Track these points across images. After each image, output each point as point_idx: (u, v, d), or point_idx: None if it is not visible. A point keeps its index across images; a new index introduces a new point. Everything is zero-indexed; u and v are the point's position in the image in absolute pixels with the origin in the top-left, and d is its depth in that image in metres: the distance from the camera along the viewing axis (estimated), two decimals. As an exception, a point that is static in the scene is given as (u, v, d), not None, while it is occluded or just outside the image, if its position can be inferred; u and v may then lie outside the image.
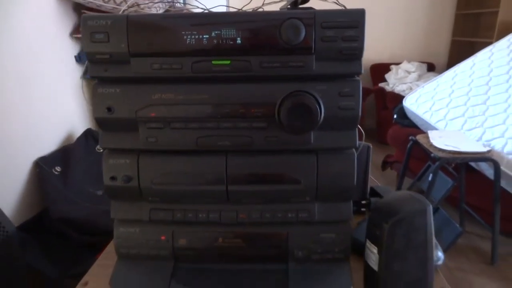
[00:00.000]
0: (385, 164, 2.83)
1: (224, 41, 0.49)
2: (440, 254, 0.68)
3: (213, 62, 0.49)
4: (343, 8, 0.49)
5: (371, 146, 0.83)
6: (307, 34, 0.48)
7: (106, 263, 0.70)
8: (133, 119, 0.52)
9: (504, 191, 1.97)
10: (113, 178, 0.55)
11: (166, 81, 0.51)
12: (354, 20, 0.48)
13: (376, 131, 3.75)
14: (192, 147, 0.53)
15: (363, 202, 0.83)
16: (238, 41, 0.49)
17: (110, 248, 0.75)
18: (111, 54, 0.50)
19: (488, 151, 1.82)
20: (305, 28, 0.47)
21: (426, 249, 0.55)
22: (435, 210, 2.15)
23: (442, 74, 2.69)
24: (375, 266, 0.57)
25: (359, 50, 0.48)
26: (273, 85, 0.50)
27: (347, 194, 0.55)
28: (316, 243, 0.57)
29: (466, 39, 3.75)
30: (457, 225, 1.95)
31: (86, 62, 0.56)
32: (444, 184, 1.91)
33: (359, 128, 0.67)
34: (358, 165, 0.81)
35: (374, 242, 0.57)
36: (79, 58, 1.65)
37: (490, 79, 2.38)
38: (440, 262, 0.67)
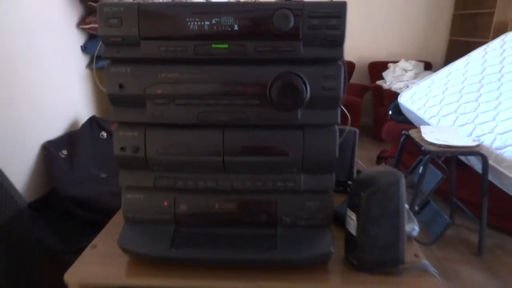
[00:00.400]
0: (379, 159, 2.91)
1: (223, 28, 0.55)
2: (415, 227, 0.75)
3: (213, 45, 0.56)
4: (328, 0, 0.56)
5: (357, 131, 0.90)
6: (295, 22, 0.55)
7: (112, 230, 0.77)
8: (141, 96, 0.59)
9: (492, 185, 2.05)
10: (122, 149, 0.62)
11: (171, 62, 0.58)
12: (337, 11, 0.54)
13: (373, 128, 3.82)
14: (193, 122, 0.60)
15: (349, 182, 0.90)
16: (236, 28, 0.55)
17: (115, 220, 0.83)
18: (123, 37, 0.57)
19: (477, 146, 1.89)
20: (294, 17, 0.54)
21: (398, 216, 0.62)
22: (426, 203, 2.23)
23: (437, 72, 2.76)
24: (354, 231, 0.64)
25: (341, 37, 0.55)
26: (265, 67, 0.57)
27: (330, 166, 0.62)
28: (302, 210, 0.64)
29: (463, 38, 3.81)
30: (446, 217, 2.02)
31: (99, 46, 0.63)
32: (434, 177, 1.99)
33: (345, 112, 0.75)
34: (345, 148, 0.88)
35: (354, 209, 0.64)
36: (84, 48, 1.71)
37: (483, 77, 2.45)
38: (415, 233, 0.74)
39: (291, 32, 0.55)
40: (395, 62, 3.87)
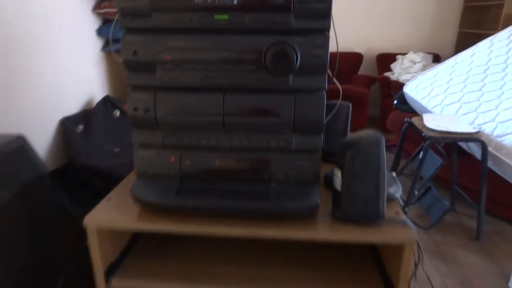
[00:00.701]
0: (384, 148, 2.95)
1: (224, 1, 0.63)
2: (399, 190, 0.82)
3: (215, 17, 0.64)
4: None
5: (350, 105, 0.97)
6: (288, -4, 0.62)
7: (125, 188, 0.86)
8: (152, 61, 0.67)
9: (493, 173, 2.09)
10: (135, 109, 0.71)
11: (178, 31, 0.66)
12: (324, -14, 0.62)
13: (379, 119, 3.86)
14: (197, 85, 0.68)
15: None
16: (235, 1, 0.63)
17: (127, 180, 0.92)
18: (137, 8, 0.65)
19: (477, 132, 1.93)
20: (286, -9, 0.62)
21: (379, 173, 0.70)
22: (427, 190, 2.29)
23: (443, 63, 2.79)
24: (339, 187, 0.72)
25: (327, 10, 0.62)
26: (261, 37, 0.65)
27: (318, 127, 0.70)
28: (293, 168, 0.72)
29: (472, 31, 3.81)
30: (446, 203, 2.08)
31: (112, 27, 0.71)
32: (434, 162, 2.04)
33: (337, 86, 0.82)
34: (338, 120, 0.95)
35: (340, 167, 0.71)
36: (99, 32, 1.80)
37: (488, 67, 2.48)
38: (398, 195, 0.81)
39: (283, 5, 0.62)
40: (403, 54, 3.89)
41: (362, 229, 0.71)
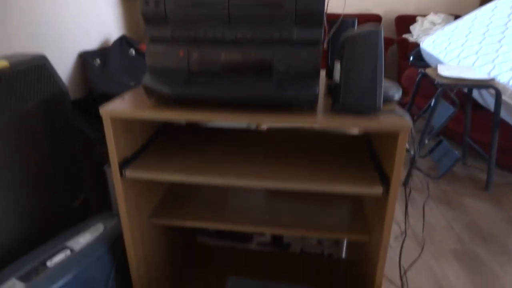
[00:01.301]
0: (398, 106, 2.94)
1: None
2: (398, 92, 0.85)
3: None
4: None
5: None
6: None
7: (136, 92, 0.92)
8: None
9: (505, 125, 2.07)
10: (146, 3, 0.75)
11: None
12: None
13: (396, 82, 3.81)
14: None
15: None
16: None
17: (138, 89, 0.98)
18: None
19: (492, 79, 1.91)
20: None
21: (376, 64, 0.73)
22: (439, 143, 2.29)
23: (462, 18, 2.72)
24: (338, 78, 0.75)
25: None
26: None
27: (319, 18, 0.73)
28: (294, 60, 0.76)
29: (497, -10, 3.65)
30: (456, 152, 2.08)
31: None
32: (446, 111, 2.03)
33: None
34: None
35: (339, 58, 0.75)
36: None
37: (509, 20, 2.40)
38: (397, 97, 0.84)
39: None
40: (423, 15, 3.78)
41: (359, 118, 0.74)
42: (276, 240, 1.43)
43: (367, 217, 0.99)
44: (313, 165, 0.88)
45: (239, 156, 0.93)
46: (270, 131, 1.12)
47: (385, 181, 0.80)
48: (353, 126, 0.74)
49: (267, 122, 0.76)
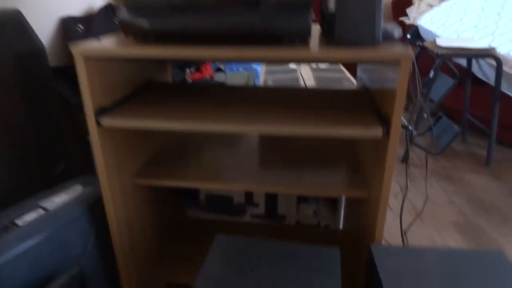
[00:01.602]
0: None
1: None
2: (399, 32, 0.78)
3: None
4: None
5: None
6: None
7: (115, 36, 0.85)
8: None
9: (505, 99, 2.02)
10: None
11: None
12: None
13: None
14: None
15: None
16: None
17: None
18: None
19: (492, 49, 1.85)
20: None
21: (375, -12, 0.65)
22: (438, 118, 2.23)
23: (460, -7, 2.65)
24: (332, 8, 0.68)
25: None
26: None
27: None
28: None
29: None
30: (456, 127, 2.02)
31: None
32: (445, 84, 1.97)
33: None
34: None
35: (333, -15, 0.67)
36: None
37: (509, -7, 2.34)
38: (397, 35, 0.77)
39: None
40: (420, -3, 3.71)
41: (357, 49, 0.67)
42: (271, 211, 1.37)
43: (365, 174, 0.93)
44: (311, 113, 0.81)
45: (231, 107, 0.86)
46: (266, 89, 1.05)
47: (385, 123, 0.74)
48: (350, 58, 0.67)
49: (256, 57, 0.68)
